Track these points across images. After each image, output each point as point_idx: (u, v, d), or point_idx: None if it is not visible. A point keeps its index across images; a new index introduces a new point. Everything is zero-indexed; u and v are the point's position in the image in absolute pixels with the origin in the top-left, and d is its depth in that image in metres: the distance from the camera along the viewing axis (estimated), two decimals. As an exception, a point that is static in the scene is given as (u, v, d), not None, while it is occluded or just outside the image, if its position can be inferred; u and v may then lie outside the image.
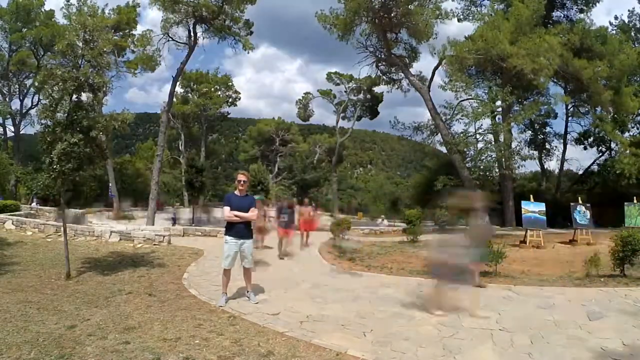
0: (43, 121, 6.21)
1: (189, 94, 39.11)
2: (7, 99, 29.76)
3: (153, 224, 16.19)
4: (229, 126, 65.61)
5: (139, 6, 24.57)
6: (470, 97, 14.36)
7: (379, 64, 20.38)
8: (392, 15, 16.70)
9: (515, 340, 3.96)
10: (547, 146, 28.16)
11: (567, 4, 22.04)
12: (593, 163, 25.77)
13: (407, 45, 19.47)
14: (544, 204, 13.50)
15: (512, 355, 3.63)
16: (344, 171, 61.56)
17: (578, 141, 26.06)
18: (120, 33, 23.59)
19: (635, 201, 13.57)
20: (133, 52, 23.30)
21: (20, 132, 31.41)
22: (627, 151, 20.06)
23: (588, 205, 13.94)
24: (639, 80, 21.35)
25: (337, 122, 39.29)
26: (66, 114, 6.03)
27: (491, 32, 15.34)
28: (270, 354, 3.53)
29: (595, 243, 11.77)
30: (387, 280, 7.00)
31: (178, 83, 22.98)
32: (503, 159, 11.79)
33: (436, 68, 17.12)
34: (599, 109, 20.05)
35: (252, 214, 5.20)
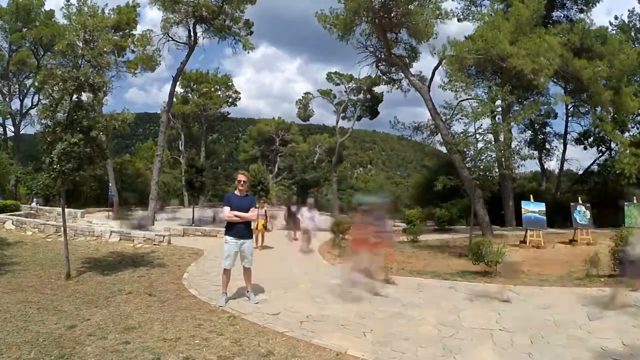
0: (43, 121, 6.22)
1: (189, 94, 39.09)
2: (7, 99, 29.75)
3: (153, 224, 16.18)
4: (229, 126, 65.74)
5: (139, 6, 24.58)
6: (470, 97, 14.34)
7: (379, 64, 20.35)
8: (392, 15, 16.67)
9: (515, 340, 3.96)
10: (547, 146, 28.17)
11: (567, 4, 22.03)
12: (593, 163, 25.77)
13: (407, 45, 19.43)
14: (544, 204, 13.50)
15: (512, 355, 3.63)
16: (344, 171, 61.50)
17: (578, 141, 26.05)
18: (120, 33, 23.56)
19: (635, 201, 13.57)
20: (133, 52, 23.28)
21: (20, 132, 31.39)
22: (627, 151, 20.06)
23: (588, 205, 13.95)
24: (639, 80, 21.33)
25: (337, 122, 39.26)
26: (66, 114, 6.03)
27: (491, 32, 15.32)
28: (270, 354, 3.53)
29: (595, 243, 11.77)
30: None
31: (178, 83, 22.97)
32: (503, 159, 11.77)
33: (436, 68, 17.09)
34: (599, 109, 20.04)
35: (252, 214, 5.21)
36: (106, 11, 22.65)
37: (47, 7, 28.58)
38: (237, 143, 63.62)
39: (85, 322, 4.19)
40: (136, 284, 6.14)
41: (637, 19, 24.48)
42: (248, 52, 20.45)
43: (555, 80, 20.36)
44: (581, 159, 68.15)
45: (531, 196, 14.05)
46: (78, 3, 6.78)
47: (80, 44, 6.19)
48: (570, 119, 25.58)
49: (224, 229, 5.28)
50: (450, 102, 14.03)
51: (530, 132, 27.35)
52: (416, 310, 5.07)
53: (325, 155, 40.62)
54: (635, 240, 5.85)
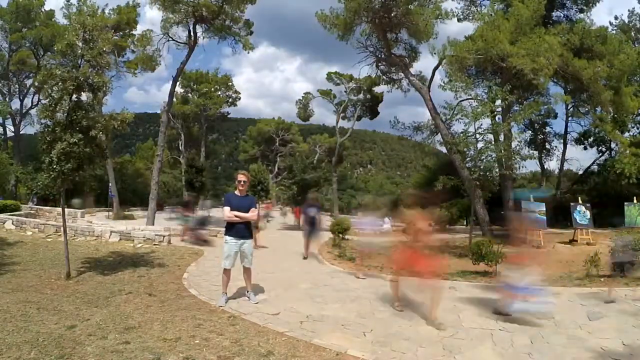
0: (43, 121, 6.22)
1: (189, 94, 39.09)
2: (7, 99, 29.75)
3: (153, 224, 16.18)
4: (229, 126, 65.70)
5: (139, 6, 24.57)
6: (470, 97, 14.34)
7: (379, 64, 20.36)
8: (392, 15, 16.68)
9: (515, 340, 3.96)
10: (547, 146, 28.14)
11: (567, 4, 22.00)
12: (593, 163, 25.76)
13: (407, 45, 19.45)
14: (544, 204, 13.51)
15: (512, 355, 3.63)
16: (344, 171, 61.55)
17: (578, 141, 26.04)
18: (120, 33, 23.57)
19: (635, 201, 13.57)
20: (133, 52, 23.30)
21: (20, 132, 31.38)
22: (627, 151, 20.06)
23: (588, 205, 13.95)
24: (639, 80, 21.34)
25: (337, 122, 39.27)
26: (66, 114, 6.03)
27: (491, 32, 15.32)
28: (270, 354, 3.53)
29: (595, 243, 11.77)
30: (387, 281, 6.99)
31: (178, 83, 22.97)
32: (503, 159, 11.76)
33: (436, 68, 17.10)
34: (599, 109, 20.02)
35: (252, 214, 5.20)
36: (106, 11, 22.69)
37: (47, 7, 28.58)
38: (237, 143, 63.63)
39: (85, 322, 4.18)
40: (136, 284, 6.14)
41: (637, 19, 24.49)
42: (248, 52, 20.47)
43: (555, 80, 20.34)
44: (581, 159, 68.07)
45: (531, 196, 14.06)
46: (78, 3, 6.80)
47: (80, 44, 6.18)
48: (570, 119, 25.57)
49: (224, 228, 5.28)
50: (450, 102, 14.03)
51: (530, 132, 27.33)
52: (416, 310, 5.06)
53: (325, 155, 40.63)
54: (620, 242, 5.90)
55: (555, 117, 27.26)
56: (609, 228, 16.40)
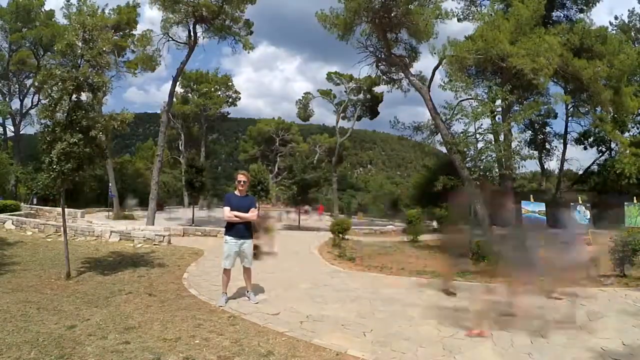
0: (43, 121, 6.22)
1: (189, 94, 39.11)
2: (7, 99, 29.76)
3: (153, 224, 16.18)
4: (229, 126, 65.72)
5: (139, 6, 24.57)
6: (470, 97, 14.35)
7: (379, 64, 20.33)
8: (392, 15, 16.66)
9: (515, 340, 3.96)
10: (547, 146, 28.16)
11: (567, 4, 22.02)
12: (593, 163, 25.80)
13: (407, 45, 19.43)
14: (544, 204, 13.49)
15: (512, 355, 3.63)
16: (344, 171, 61.55)
17: (578, 141, 26.07)
18: (120, 33, 23.57)
19: (635, 201, 13.56)
20: (133, 52, 23.30)
21: (20, 132, 31.39)
22: (627, 151, 20.09)
23: (588, 205, 13.93)
24: (639, 80, 21.36)
25: (337, 122, 39.30)
26: (66, 114, 6.03)
27: (491, 32, 15.31)
28: (270, 354, 3.53)
29: (595, 243, 11.76)
30: (387, 281, 7.00)
31: (178, 83, 22.98)
32: (503, 159, 11.77)
33: (436, 68, 17.08)
34: (599, 109, 20.04)
35: (252, 214, 5.20)
36: (106, 11, 22.68)
37: (47, 7, 28.61)
38: (237, 143, 63.61)
39: (85, 322, 4.18)
40: (136, 284, 6.14)
41: (637, 19, 24.52)
42: (248, 52, 20.47)
43: (555, 80, 20.35)
44: (581, 159, 68.15)
45: (531, 196, 14.05)
46: (78, 3, 6.80)
47: (80, 44, 6.18)
48: (570, 119, 25.59)
49: (224, 228, 5.28)
50: (450, 102, 14.04)
51: (530, 132, 27.36)
52: (416, 310, 5.06)
53: (325, 155, 40.64)
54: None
55: (555, 117, 27.28)
56: (609, 228, 16.40)
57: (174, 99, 27.86)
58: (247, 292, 5.39)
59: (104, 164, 17.82)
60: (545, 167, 29.57)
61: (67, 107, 6.03)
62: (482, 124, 11.22)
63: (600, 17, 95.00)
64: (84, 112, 6.15)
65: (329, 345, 3.76)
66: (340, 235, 13.04)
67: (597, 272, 6.90)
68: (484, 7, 20.66)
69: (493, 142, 11.37)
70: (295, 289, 6.14)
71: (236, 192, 5.24)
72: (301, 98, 41.06)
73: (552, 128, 28.60)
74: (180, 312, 4.70)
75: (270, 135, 43.37)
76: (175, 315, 4.56)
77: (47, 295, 5.26)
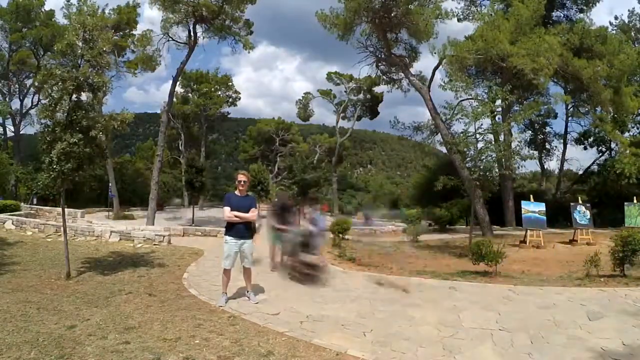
0: (43, 121, 6.21)
1: (189, 94, 39.07)
2: (7, 99, 29.75)
3: (153, 224, 16.18)
4: (229, 126, 65.64)
5: (139, 6, 24.57)
6: (470, 97, 14.34)
7: (379, 64, 20.35)
8: (392, 15, 16.67)
9: (515, 340, 3.96)
10: (547, 146, 28.21)
11: (567, 4, 22.04)
12: (593, 163, 25.81)
13: (407, 45, 19.46)
14: (544, 204, 13.51)
15: (512, 355, 3.63)
16: (344, 171, 61.56)
17: (578, 141, 26.08)
18: (120, 33, 23.57)
19: (635, 201, 13.58)
20: (133, 52, 23.30)
21: (20, 132, 31.39)
22: (627, 151, 20.09)
23: (588, 205, 13.95)
24: (639, 80, 21.36)
25: (337, 122, 39.32)
26: (66, 114, 6.02)
27: (491, 32, 15.33)
28: (270, 354, 3.53)
29: (595, 243, 11.77)
30: (388, 281, 6.99)
31: (178, 83, 22.96)
32: (503, 159, 11.77)
33: (436, 68, 17.10)
34: (599, 108, 20.06)
35: (252, 214, 5.20)
36: (106, 11, 22.68)
37: (47, 7, 28.57)
38: (237, 143, 63.53)
39: (85, 322, 4.18)
40: (136, 284, 6.14)
41: (637, 19, 24.52)
42: (248, 52, 20.47)
43: (555, 80, 20.38)
44: (581, 159, 68.17)
45: (531, 196, 14.06)
46: (78, 3, 6.79)
47: (80, 44, 6.18)
48: (570, 119, 25.62)
49: (224, 228, 5.28)
50: (450, 102, 14.03)
51: (530, 132, 27.40)
52: (416, 310, 5.06)
53: (325, 155, 40.63)
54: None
55: (555, 117, 27.34)
56: (609, 228, 16.41)
57: (174, 99, 27.84)
58: (247, 292, 5.39)
59: (104, 164, 17.80)
60: (545, 167, 29.64)
61: (67, 107, 6.02)
62: (482, 124, 11.20)
63: (600, 17, 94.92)
64: (84, 112, 6.15)
65: (329, 345, 3.76)
66: (340, 235, 13.04)
67: (597, 271, 6.90)
68: (484, 7, 20.70)
69: (493, 142, 11.35)
70: (295, 289, 6.14)
71: (236, 192, 5.24)
72: (301, 98, 41.12)
73: (552, 128, 28.65)
74: (180, 312, 4.70)
75: (270, 135, 43.35)
76: (175, 315, 4.56)
77: (47, 295, 5.26)
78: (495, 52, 15.12)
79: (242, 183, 5.21)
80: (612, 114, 20.10)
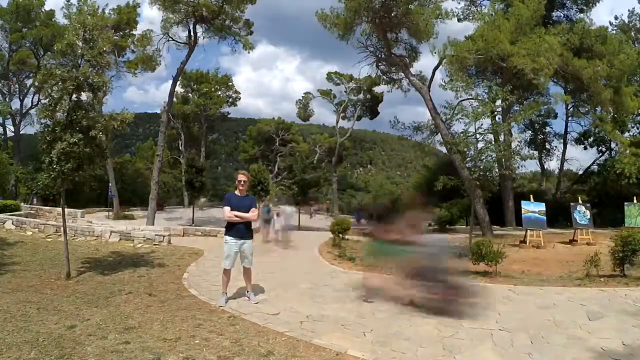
0: (43, 121, 6.21)
1: (189, 94, 39.08)
2: (7, 99, 29.76)
3: (153, 224, 16.19)
4: (229, 126, 65.66)
5: (139, 6, 24.57)
6: (470, 97, 14.36)
7: (379, 64, 20.37)
8: (393, 15, 16.69)
9: (515, 340, 3.96)
10: (547, 146, 28.23)
11: (567, 4, 22.05)
12: (593, 163, 25.81)
13: (407, 45, 19.48)
14: (544, 204, 13.50)
15: (512, 355, 3.63)
16: (343, 171, 61.53)
17: (578, 141, 26.08)
18: (120, 33, 23.57)
19: (635, 201, 13.57)
20: (133, 52, 23.31)
21: (20, 132, 31.40)
22: (627, 151, 20.09)
23: (588, 205, 13.95)
24: (639, 80, 21.37)
25: (337, 122, 39.32)
26: (66, 114, 6.02)
27: (491, 32, 15.34)
28: (270, 354, 3.53)
29: (595, 243, 11.77)
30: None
31: (178, 83, 22.98)
32: (503, 159, 11.77)
33: (436, 68, 17.11)
34: (599, 108, 20.06)
35: (253, 214, 5.20)
36: (106, 11, 22.68)
37: (47, 7, 28.61)
38: (237, 143, 63.49)
39: (85, 322, 4.18)
40: (136, 284, 6.14)
41: (637, 19, 24.52)
42: (248, 52, 20.49)
43: (555, 80, 20.38)
44: (581, 159, 68.19)
45: (531, 196, 14.05)
46: (78, 3, 6.79)
47: (80, 44, 6.18)
48: (570, 119, 25.63)
49: (224, 228, 5.28)
50: (451, 102, 14.05)
51: (530, 132, 27.41)
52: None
53: (325, 155, 40.63)
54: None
55: (555, 117, 27.34)
56: (609, 228, 16.41)
57: (174, 99, 27.85)
58: (247, 292, 5.38)
59: (104, 164, 17.83)
60: (545, 167, 29.65)
61: (67, 107, 6.03)
62: (482, 124, 11.21)
63: (601, 17, 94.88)
64: (84, 112, 6.15)
65: (329, 345, 3.75)
66: (340, 235, 13.03)
67: (597, 271, 6.90)
68: (484, 7, 20.71)
69: (493, 142, 11.36)
70: (295, 289, 6.14)
71: (236, 192, 5.24)
72: (301, 98, 41.11)
73: (552, 128, 28.66)
74: (180, 312, 4.70)
75: (270, 135, 43.35)
76: (175, 315, 4.56)
77: (47, 295, 5.26)
78: (495, 52, 15.13)
79: (242, 183, 5.21)
80: (612, 114, 20.10)
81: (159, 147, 19.44)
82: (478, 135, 11.10)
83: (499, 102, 13.01)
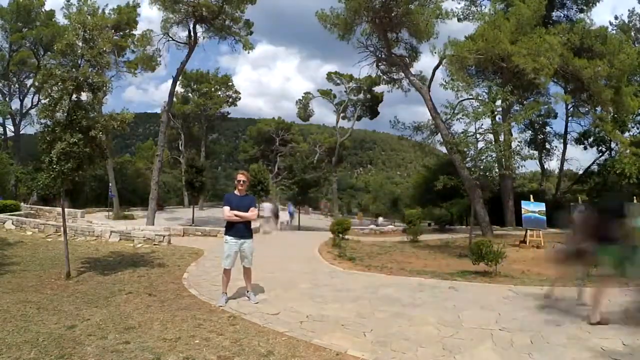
0: (43, 121, 6.21)
1: (189, 94, 39.09)
2: (7, 99, 29.77)
3: (153, 224, 16.19)
4: (229, 126, 65.69)
5: (139, 6, 24.57)
6: (471, 96, 14.35)
7: (380, 64, 20.37)
8: (393, 14, 16.70)
9: (515, 340, 3.95)
10: (547, 146, 28.21)
11: (567, 4, 22.05)
12: (593, 163, 25.78)
13: (407, 45, 19.49)
14: (544, 204, 13.51)
15: (512, 355, 3.63)
16: (343, 171, 61.54)
17: (578, 141, 26.06)
18: (120, 33, 23.58)
19: (635, 201, 13.57)
20: (133, 52, 23.32)
21: (20, 132, 31.42)
22: (627, 151, 20.08)
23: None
24: (639, 80, 21.36)
25: (337, 122, 39.34)
26: (66, 114, 6.02)
27: (492, 31, 15.33)
28: (270, 354, 3.53)
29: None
30: (387, 280, 7.00)
31: (178, 83, 22.99)
32: (503, 159, 11.78)
33: (436, 68, 17.11)
34: (599, 108, 20.05)
35: (252, 213, 5.20)
36: (106, 11, 22.69)
37: (47, 7, 28.65)
38: (237, 143, 63.53)
39: (85, 322, 4.18)
40: (136, 284, 6.14)
41: (637, 19, 24.50)
42: (248, 52, 20.49)
43: (555, 80, 20.37)
44: (581, 159, 68.29)
45: (531, 196, 14.06)
46: (78, 3, 6.79)
47: (80, 44, 6.18)
48: (570, 118, 25.61)
49: (224, 228, 5.28)
50: (451, 102, 14.04)
51: (530, 132, 27.40)
52: (416, 310, 5.06)
53: (325, 155, 40.64)
54: None
55: (555, 117, 27.33)
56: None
57: (174, 99, 27.86)
58: (247, 292, 5.38)
59: (104, 164, 17.82)
60: (545, 167, 29.63)
61: (67, 107, 6.02)
62: (482, 124, 11.21)
63: (601, 17, 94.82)
64: (84, 112, 6.15)
65: (329, 345, 3.75)
66: (340, 235, 13.04)
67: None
68: (484, 7, 20.70)
69: (493, 142, 11.36)
70: (295, 289, 6.14)
71: (236, 192, 5.24)
72: (301, 98, 41.13)
73: (552, 128, 28.67)
74: (180, 312, 4.70)
75: (270, 135, 43.37)
76: (175, 315, 4.56)
77: (47, 295, 5.26)
78: (496, 52, 15.12)
79: (242, 183, 5.21)
80: (612, 114, 20.08)
81: (159, 147, 19.45)
82: (478, 135, 11.11)
83: (499, 102, 13.02)
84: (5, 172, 23.71)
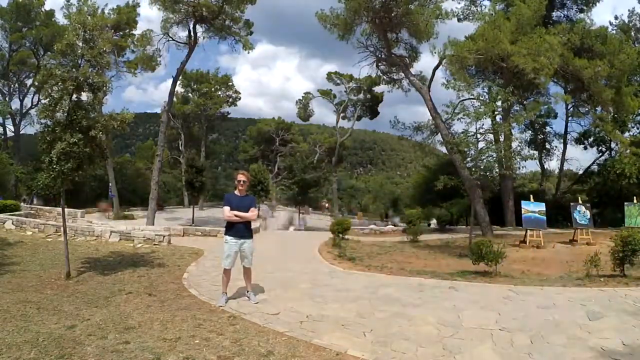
0: (43, 121, 6.21)
1: (189, 94, 39.09)
2: (7, 99, 29.78)
3: (153, 224, 16.19)
4: (229, 126, 65.66)
5: (139, 6, 24.58)
6: (472, 96, 14.34)
7: (380, 64, 20.36)
8: (393, 15, 16.69)
9: (515, 340, 3.95)
10: (547, 146, 28.21)
11: (567, 4, 22.04)
12: (593, 163, 25.77)
13: (407, 45, 19.47)
14: (544, 204, 13.50)
15: (512, 355, 3.63)
16: (343, 171, 61.53)
17: (578, 141, 26.05)
18: (120, 33, 23.59)
19: (635, 201, 13.57)
20: (133, 52, 23.32)
21: (20, 132, 31.43)
22: (628, 151, 20.08)
23: (588, 205, 13.96)
24: (639, 80, 21.35)
25: (337, 122, 39.35)
26: (66, 114, 6.02)
27: (492, 31, 15.32)
28: (270, 354, 3.53)
29: (595, 243, 11.77)
30: (387, 280, 6.99)
31: (178, 83, 22.99)
32: (503, 159, 11.77)
33: (436, 68, 17.10)
34: (599, 108, 20.05)
35: (252, 213, 5.20)
36: (106, 11, 22.69)
37: (47, 7, 28.66)
38: (237, 143, 63.54)
39: (85, 322, 4.18)
40: (136, 284, 6.14)
41: (637, 19, 24.49)
42: (248, 52, 20.50)
43: (555, 80, 20.37)
44: (581, 159, 68.25)
45: (531, 196, 14.05)
46: (78, 3, 6.79)
47: (80, 44, 6.18)
48: (570, 118, 25.60)
49: (224, 228, 5.28)
50: (452, 102, 14.03)
51: (530, 132, 27.40)
52: (416, 310, 5.06)
53: (325, 155, 40.65)
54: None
55: (555, 117, 27.34)
56: (609, 228, 16.41)
57: (174, 99, 27.86)
58: (247, 292, 5.39)
59: (104, 164, 17.82)
60: (545, 167, 29.62)
61: (67, 107, 6.02)
62: (482, 124, 11.20)
63: (601, 17, 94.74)
64: (84, 112, 6.15)
65: (329, 345, 3.75)
66: (340, 235, 13.04)
67: (597, 271, 6.90)
68: (484, 7, 20.69)
69: (494, 143, 11.35)
70: (295, 289, 6.14)
71: (236, 192, 5.25)
72: (301, 98, 41.13)
73: (552, 128, 28.65)
74: (180, 312, 4.70)
75: (270, 135, 43.37)
76: (175, 315, 4.56)
77: (47, 295, 5.26)
78: (496, 52, 15.11)
79: (242, 183, 5.22)
80: (612, 114, 20.08)
81: (159, 147, 19.44)
82: (479, 135, 11.10)
83: (499, 102, 13.01)
84: (5, 172, 23.71)
